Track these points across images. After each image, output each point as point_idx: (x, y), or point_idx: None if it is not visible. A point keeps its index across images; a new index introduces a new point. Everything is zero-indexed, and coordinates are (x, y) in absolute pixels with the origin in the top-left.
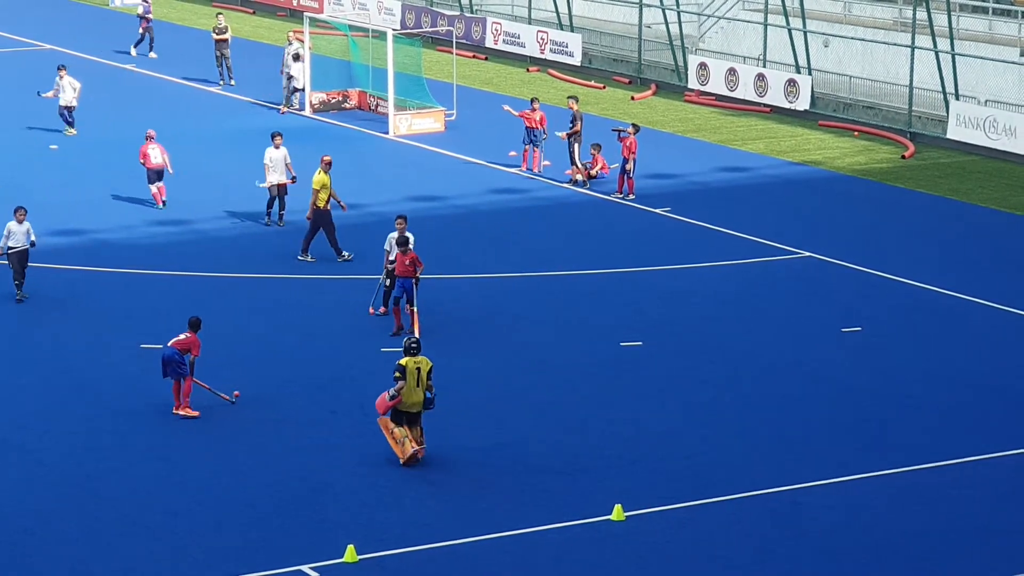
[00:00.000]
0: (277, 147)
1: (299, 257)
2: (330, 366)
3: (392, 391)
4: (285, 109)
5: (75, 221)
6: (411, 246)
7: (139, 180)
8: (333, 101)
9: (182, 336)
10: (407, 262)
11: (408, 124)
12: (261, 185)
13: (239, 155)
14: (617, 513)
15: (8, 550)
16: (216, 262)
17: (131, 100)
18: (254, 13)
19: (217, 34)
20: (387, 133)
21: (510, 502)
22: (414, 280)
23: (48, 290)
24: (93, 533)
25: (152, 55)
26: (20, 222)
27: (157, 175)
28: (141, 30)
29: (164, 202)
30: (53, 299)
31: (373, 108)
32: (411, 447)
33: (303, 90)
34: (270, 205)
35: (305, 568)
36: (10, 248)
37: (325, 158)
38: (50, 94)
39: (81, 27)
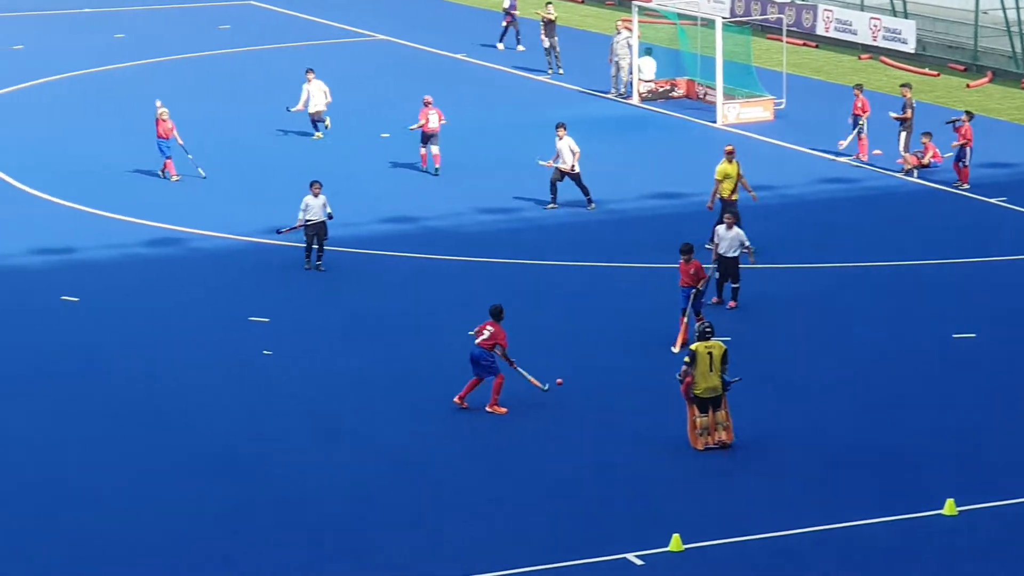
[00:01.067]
0: (560, 137)
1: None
2: (653, 355)
3: (679, 375)
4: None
5: (405, 208)
6: (736, 240)
7: (464, 169)
8: (661, 90)
9: (485, 334)
10: (691, 271)
11: (736, 113)
12: (542, 163)
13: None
14: (949, 508)
15: (340, 533)
16: (544, 250)
17: (460, 89)
18: (583, 2)
19: (545, 23)
20: (715, 122)
21: (835, 493)
22: (696, 290)
23: (378, 276)
24: (420, 517)
25: (520, 48)
26: (316, 195)
27: (430, 138)
28: (505, 24)
29: (437, 169)
30: (382, 285)
31: (701, 97)
32: (706, 442)
33: (650, 81)
34: (583, 190)
35: (630, 556)
36: (308, 220)
37: (728, 148)
38: (299, 107)
39: (413, 18)
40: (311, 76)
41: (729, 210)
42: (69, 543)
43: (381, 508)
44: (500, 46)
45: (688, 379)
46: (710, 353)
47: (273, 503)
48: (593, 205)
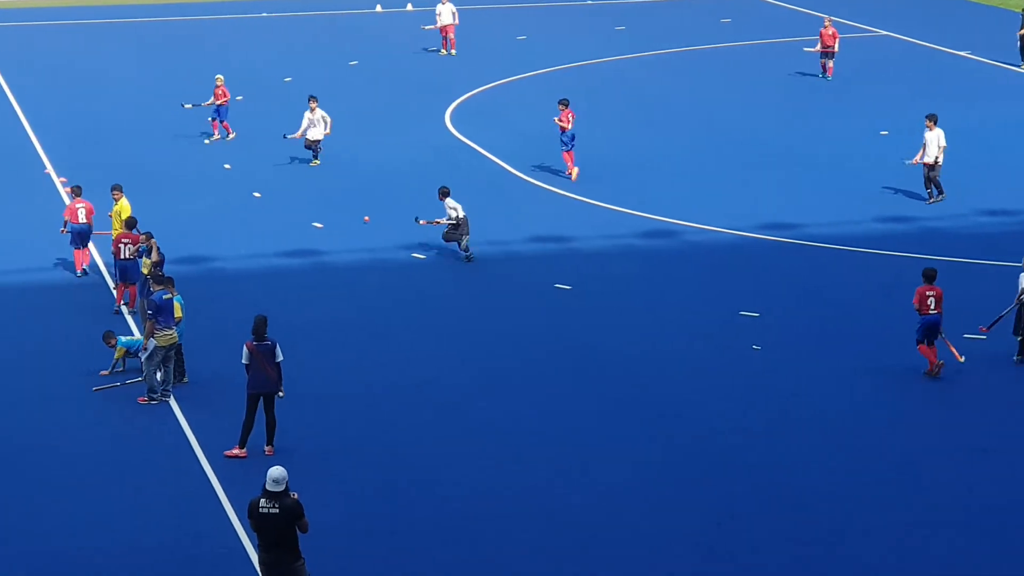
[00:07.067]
0: (930, 129)
1: None
2: None
3: None
4: None
5: (901, 207)
6: None
7: (961, 168)
8: None
9: None
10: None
11: None
12: (908, 163)
13: None
14: None
15: (813, 532)
16: None
17: (960, 87)
18: None
19: None
20: None
21: None
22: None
23: (873, 276)
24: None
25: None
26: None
27: (831, 56)
28: None
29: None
30: (878, 285)
31: None
32: None
33: None
34: (926, 184)
35: None
36: None
37: None
38: (297, 135)
39: (915, 13)
40: (314, 105)
41: None
42: (565, 529)
43: (869, 514)
44: None
45: None
46: None
47: (757, 498)
48: (939, 198)
